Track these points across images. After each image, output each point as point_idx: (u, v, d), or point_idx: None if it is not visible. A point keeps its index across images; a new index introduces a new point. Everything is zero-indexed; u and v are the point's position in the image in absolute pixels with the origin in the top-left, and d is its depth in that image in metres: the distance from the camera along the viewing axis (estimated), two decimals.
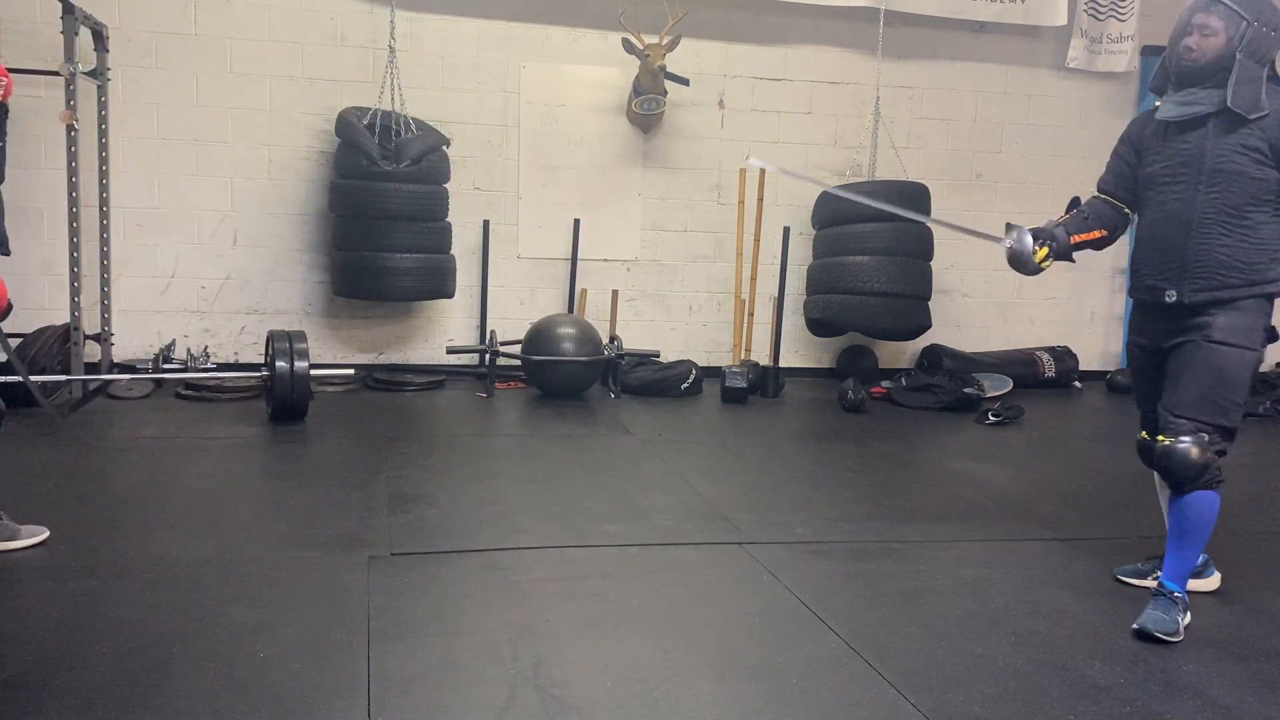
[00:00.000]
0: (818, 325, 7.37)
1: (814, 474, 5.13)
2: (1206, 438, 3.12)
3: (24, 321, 6.40)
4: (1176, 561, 3.21)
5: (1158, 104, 3.36)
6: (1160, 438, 3.18)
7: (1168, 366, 3.27)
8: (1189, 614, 3.18)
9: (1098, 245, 3.54)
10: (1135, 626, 3.11)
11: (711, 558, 3.71)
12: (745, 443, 5.74)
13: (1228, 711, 2.67)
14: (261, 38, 6.78)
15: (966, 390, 6.88)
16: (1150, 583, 3.45)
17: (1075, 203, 3.60)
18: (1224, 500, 4.62)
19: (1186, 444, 3.11)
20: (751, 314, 7.47)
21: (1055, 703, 2.68)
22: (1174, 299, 3.21)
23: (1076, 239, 3.49)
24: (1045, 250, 3.47)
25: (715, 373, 7.11)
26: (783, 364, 7.44)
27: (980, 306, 8.18)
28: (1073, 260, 3.57)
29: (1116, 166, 3.49)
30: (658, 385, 6.91)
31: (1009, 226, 3.56)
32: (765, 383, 7.03)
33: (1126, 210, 3.48)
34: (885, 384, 7.18)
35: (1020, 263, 3.52)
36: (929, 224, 4.01)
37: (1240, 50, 3.08)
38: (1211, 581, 3.53)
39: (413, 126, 6.67)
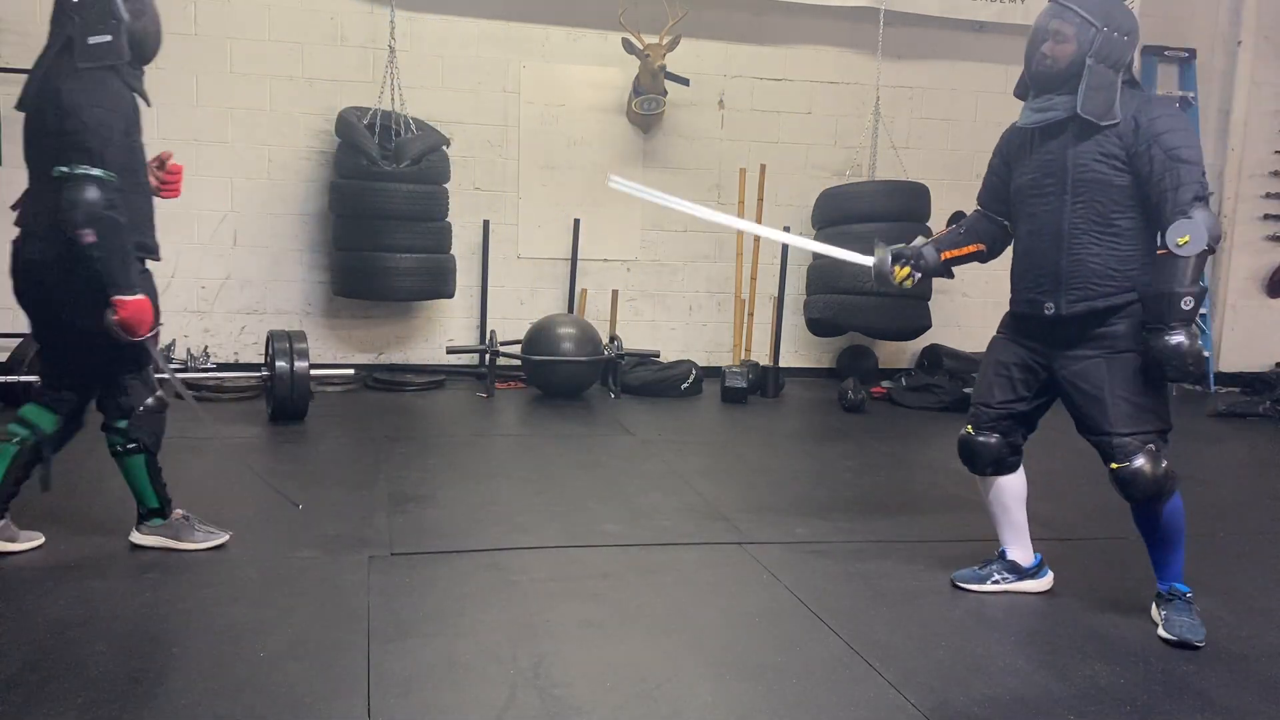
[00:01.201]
0: (818, 325, 7.37)
1: (814, 474, 5.13)
2: (1154, 448, 3.09)
3: (24, 321, 6.40)
4: (1172, 563, 3.20)
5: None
6: (1112, 465, 3.15)
7: (1073, 386, 3.23)
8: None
9: (979, 259, 3.56)
10: (1168, 636, 3.10)
11: (711, 558, 3.71)
12: (745, 443, 5.74)
13: (1228, 711, 2.68)
14: (261, 38, 6.78)
15: (966, 390, 6.86)
16: (990, 587, 3.46)
17: (957, 216, 3.63)
18: (1224, 499, 4.63)
19: (1140, 463, 3.08)
20: (751, 314, 7.47)
21: (1055, 703, 2.68)
22: (1053, 311, 3.19)
23: (948, 254, 3.53)
24: (905, 270, 3.51)
25: (715, 373, 7.10)
26: (783, 364, 7.44)
27: (980, 306, 8.17)
28: (951, 276, 3.62)
29: (989, 179, 3.49)
30: (658, 385, 6.91)
31: (877, 244, 3.58)
32: (765, 383, 7.03)
33: (1005, 223, 3.46)
34: (885, 384, 7.18)
35: (882, 280, 3.57)
36: (797, 245, 4.03)
37: (1091, 56, 3.07)
38: (1044, 582, 3.53)
39: (413, 126, 6.67)
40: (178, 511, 3.57)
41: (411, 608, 3.12)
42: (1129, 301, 3.11)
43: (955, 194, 7.89)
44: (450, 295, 6.95)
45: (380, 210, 6.46)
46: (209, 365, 6.59)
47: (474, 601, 3.19)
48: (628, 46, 6.90)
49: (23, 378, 5.58)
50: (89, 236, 3.15)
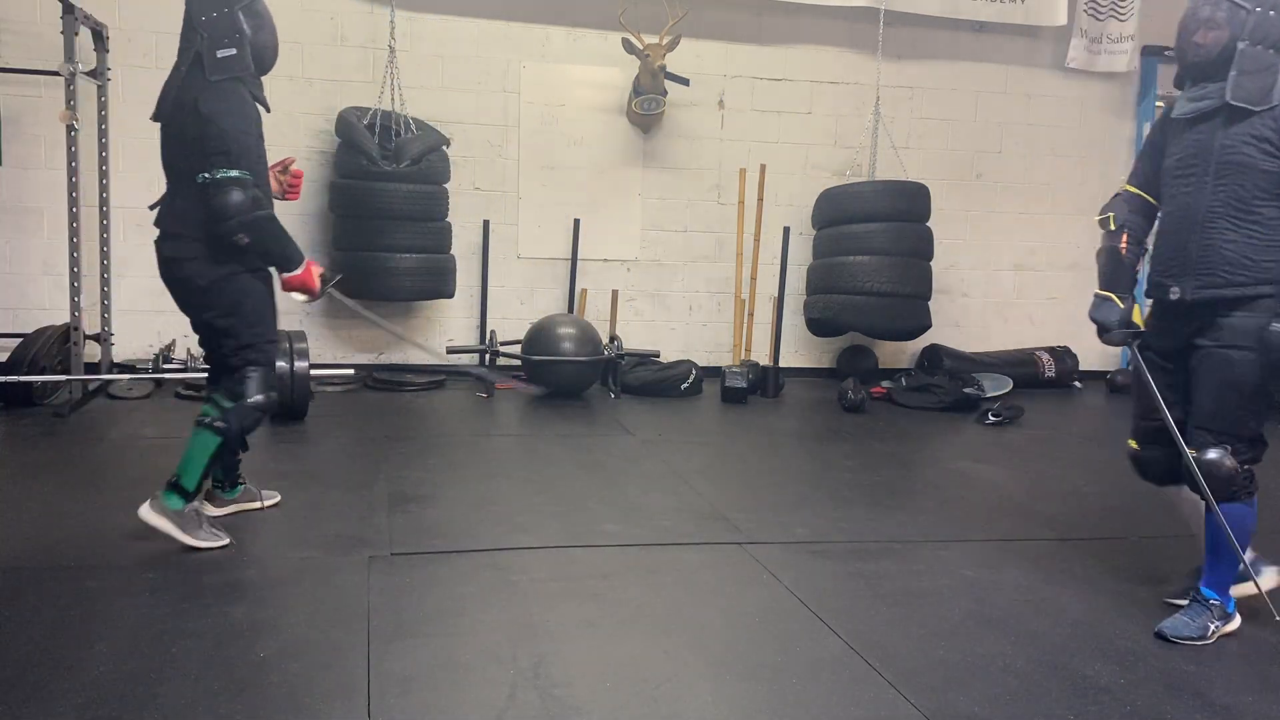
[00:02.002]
0: (818, 325, 7.37)
1: (814, 474, 5.13)
2: (1230, 448, 3.03)
3: (24, 321, 6.42)
4: (1213, 571, 3.16)
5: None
6: (1188, 450, 3.10)
7: (1189, 372, 3.16)
8: (1231, 622, 3.16)
9: None
10: (1156, 629, 3.11)
11: (711, 558, 3.71)
12: (745, 443, 5.74)
13: (1228, 711, 2.67)
14: None
15: (966, 390, 6.88)
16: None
17: (1114, 209, 3.39)
18: None
19: (1210, 458, 3.03)
20: (751, 314, 7.47)
21: (1055, 703, 2.68)
22: (1178, 296, 3.11)
23: (1138, 267, 3.40)
24: (1135, 307, 3.31)
25: (715, 373, 7.10)
26: (783, 364, 7.44)
27: (980, 306, 8.18)
28: None
29: (1144, 158, 3.40)
30: (658, 385, 6.90)
31: (1101, 300, 3.32)
32: (765, 383, 7.03)
33: (1154, 203, 3.35)
34: (885, 384, 7.18)
35: (1126, 327, 3.31)
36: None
37: (1245, 39, 2.98)
38: (1267, 579, 3.29)
39: (413, 126, 6.67)
40: (192, 505, 3.62)
41: (411, 608, 3.11)
42: (1260, 295, 2.98)
43: (955, 194, 7.92)
44: (450, 295, 6.96)
45: (380, 210, 6.46)
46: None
47: (474, 601, 3.19)
48: (628, 46, 6.90)
49: (23, 378, 5.59)
50: (245, 239, 3.50)
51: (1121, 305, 3.24)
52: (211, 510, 3.87)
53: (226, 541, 3.61)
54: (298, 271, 3.67)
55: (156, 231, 3.67)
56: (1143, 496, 4.83)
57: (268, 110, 3.71)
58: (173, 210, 3.63)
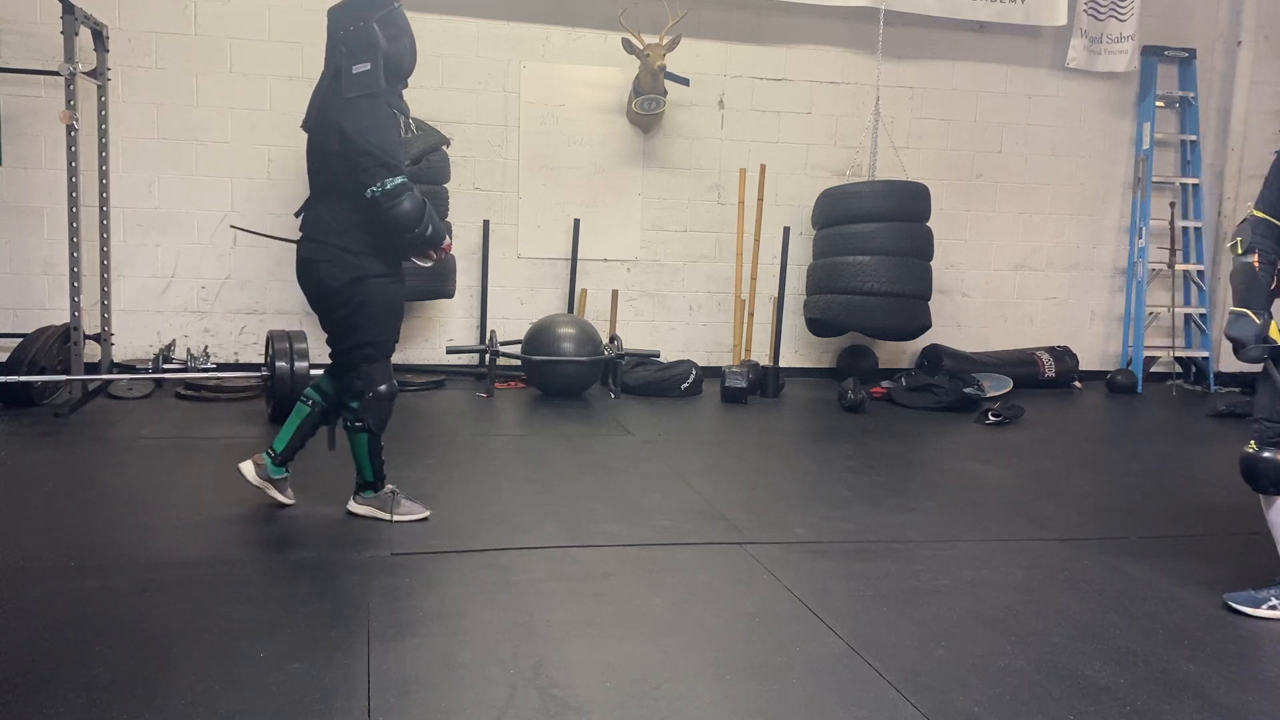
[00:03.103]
0: (818, 325, 7.37)
1: (814, 474, 5.13)
2: None
3: (24, 321, 6.42)
4: None
5: None
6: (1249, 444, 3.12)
7: None
8: None
9: None
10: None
11: (711, 558, 3.71)
12: (745, 443, 5.74)
13: (1228, 711, 2.68)
14: (261, 38, 6.77)
15: (966, 390, 6.88)
16: (1266, 612, 3.31)
17: (1241, 234, 3.43)
18: (1224, 499, 4.63)
19: (1267, 454, 3.07)
20: (751, 314, 7.47)
21: (1055, 703, 2.68)
22: None
23: (1274, 286, 3.40)
24: (1272, 323, 3.33)
25: (715, 373, 7.10)
26: (783, 364, 7.44)
27: (980, 306, 8.18)
28: None
29: (1273, 182, 3.39)
30: (658, 385, 6.90)
31: (1239, 316, 3.34)
32: (765, 383, 7.03)
33: None
34: (885, 384, 7.18)
35: (1261, 341, 3.34)
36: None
37: None
38: None
39: (413, 126, 6.65)
40: (388, 487, 3.96)
41: (411, 608, 3.12)
42: None
43: (955, 194, 7.92)
44: (450, 295, 6.95)
45: None
46: (209, 365, 6.59)
47: (474, 601, 3.19)
48: (628, 46, 6.90)
49: (23, 378, 5.59)
50: (428, 231, 3.68)
51: (1258, 321, 3.26)
52: (250, 473, 3.96)
53: (426, 514, 3.94)
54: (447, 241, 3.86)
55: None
56: (1142, 496, 4.83)
57: (407, 117, 3.84)
58: (313, 216, 3.80)
